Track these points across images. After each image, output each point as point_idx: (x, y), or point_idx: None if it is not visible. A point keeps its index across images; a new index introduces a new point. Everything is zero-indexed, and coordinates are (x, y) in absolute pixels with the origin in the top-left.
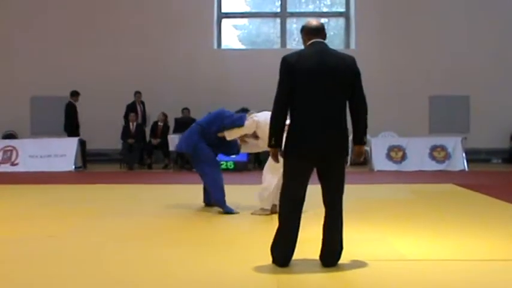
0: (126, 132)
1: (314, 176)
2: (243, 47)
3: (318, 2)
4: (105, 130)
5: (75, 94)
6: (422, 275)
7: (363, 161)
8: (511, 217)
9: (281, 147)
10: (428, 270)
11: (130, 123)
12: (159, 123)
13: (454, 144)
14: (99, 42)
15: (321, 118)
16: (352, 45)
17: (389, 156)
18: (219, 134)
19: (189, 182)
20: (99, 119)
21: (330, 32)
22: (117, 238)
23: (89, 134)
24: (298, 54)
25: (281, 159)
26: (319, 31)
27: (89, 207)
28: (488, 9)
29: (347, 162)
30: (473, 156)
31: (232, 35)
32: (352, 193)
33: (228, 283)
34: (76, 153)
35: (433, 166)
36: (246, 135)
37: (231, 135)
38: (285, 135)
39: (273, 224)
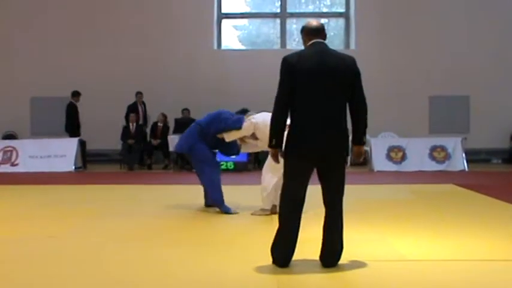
0: (126, 133)
1: (314, 176)
2: (243, 47)
3: (317, 2)
4: (105, 130)
5: (76, 94)
6: (422, 275)
7: (363, 161)
8: (511, 217)
9: (281, 147)
10: (428, 270)
11: (130, 124)
12: (159, 124)
13: (454, 144)
14: (99, 42)
15: (321, 118)
16: (352, 46)
17: (389, 157)
18: (219, 136)
19: (189, 182)
20: (99, 119)
21: (329, 33)
22: (117, 238)
23: (89, 134)
24: (298, 54)
25: (281, 160)
26: (319, 31)
27: (89, 208)
28: (488, 9)
29: (347, 163)
30: (473, 156)
31: (232, 36)
32: (352, 193)
33: (228, 283)
34: (76, 153)
35: (433, 166)
36: (245, 136)
37: (229, 137)
38: (285, 135)
39: (273, 224)
